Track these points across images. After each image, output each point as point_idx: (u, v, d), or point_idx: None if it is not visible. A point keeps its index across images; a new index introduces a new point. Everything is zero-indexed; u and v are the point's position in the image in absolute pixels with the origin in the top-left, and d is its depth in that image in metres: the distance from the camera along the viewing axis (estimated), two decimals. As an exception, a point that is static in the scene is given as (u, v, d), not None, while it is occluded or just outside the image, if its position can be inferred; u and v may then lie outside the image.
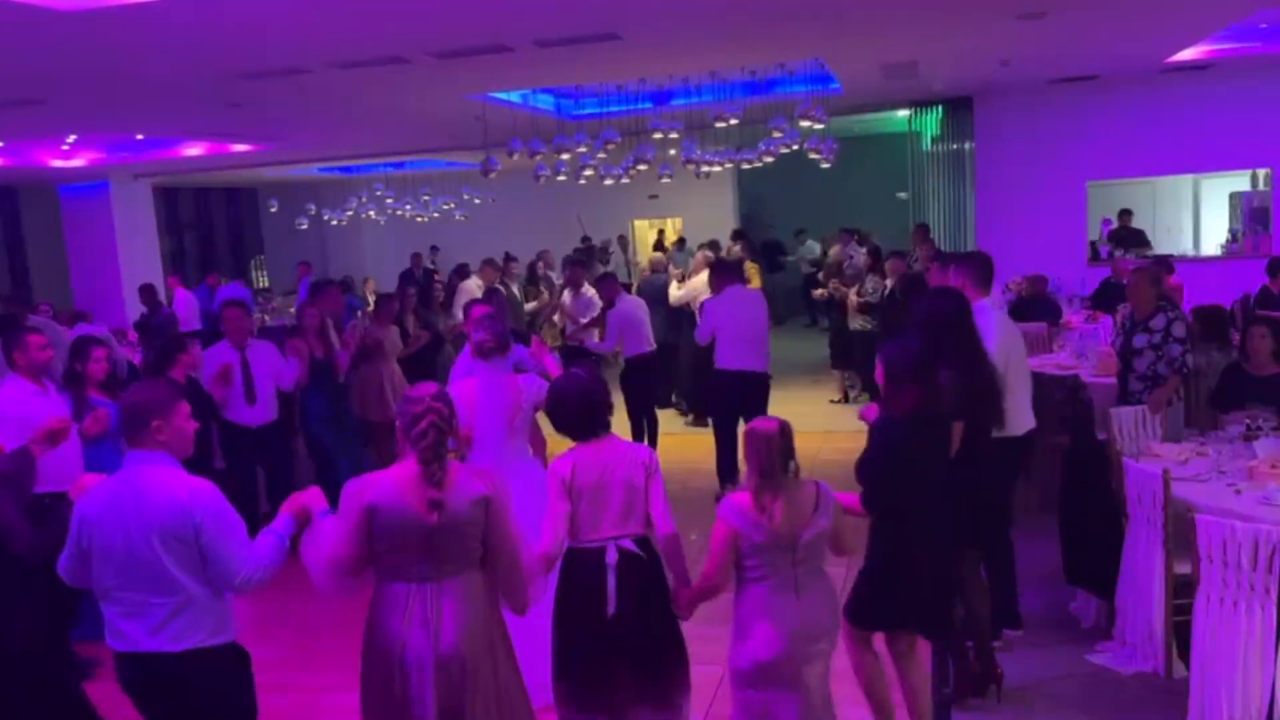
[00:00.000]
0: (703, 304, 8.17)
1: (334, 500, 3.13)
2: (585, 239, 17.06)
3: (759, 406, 7.52)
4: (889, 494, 3.79)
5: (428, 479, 2.99)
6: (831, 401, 11.09)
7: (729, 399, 7.50)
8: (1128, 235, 12.75)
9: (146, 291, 12.47)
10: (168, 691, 3.07)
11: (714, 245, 13.22)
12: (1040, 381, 7.27)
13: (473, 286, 11.54)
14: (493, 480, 3.13)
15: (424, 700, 3.01)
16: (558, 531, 3.50)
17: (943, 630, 4.15)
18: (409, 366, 8.37)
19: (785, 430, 3.42)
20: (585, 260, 12.18)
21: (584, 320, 9.44)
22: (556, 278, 13.21)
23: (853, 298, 10.47)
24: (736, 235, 14.62)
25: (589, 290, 9.68)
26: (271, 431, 6.99)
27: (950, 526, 3.90)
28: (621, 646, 3.50)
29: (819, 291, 12.00)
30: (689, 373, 10.31)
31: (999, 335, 4.69)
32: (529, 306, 12.33)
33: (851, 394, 11.04)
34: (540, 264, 14.04)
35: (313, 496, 3.25)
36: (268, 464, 7.07)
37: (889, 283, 9.71)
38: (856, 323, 10.44)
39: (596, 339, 9.15)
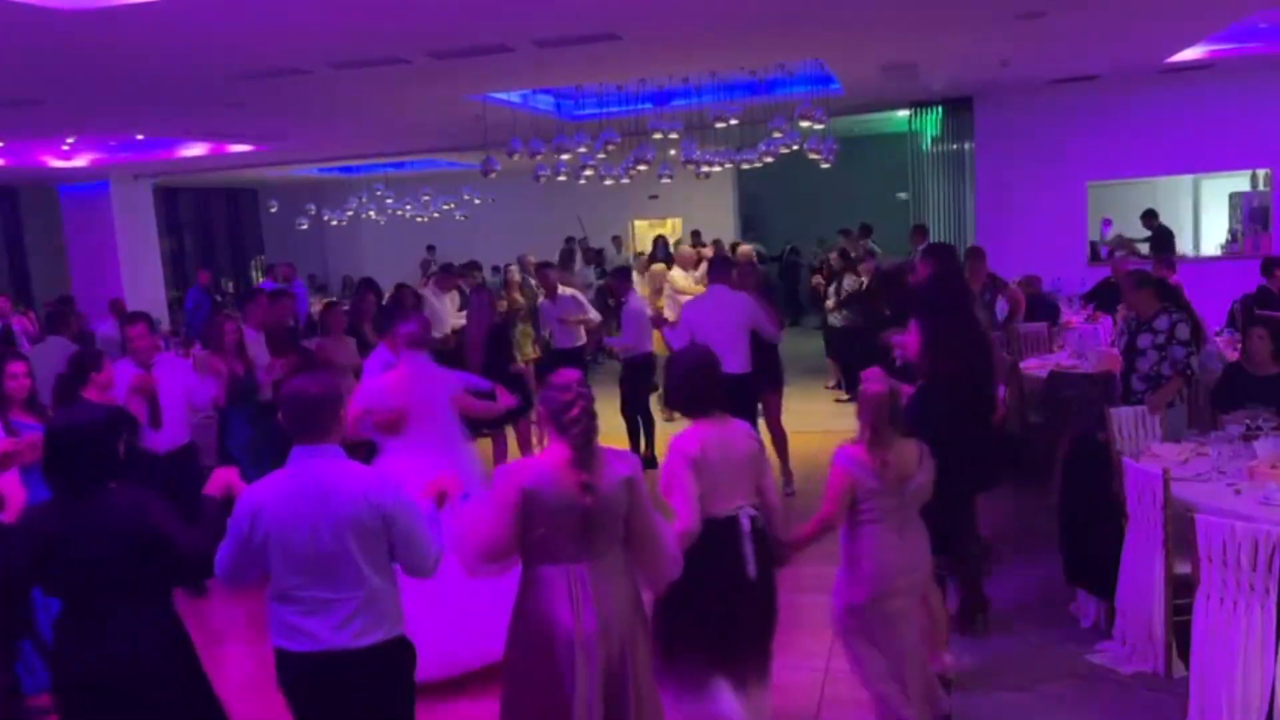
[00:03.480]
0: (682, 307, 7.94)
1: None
2: (582, 239, 17.03)
3: (746, 410, 7.41)
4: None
5: (580, 463, 3.10)
6: (827, 387, 11.64)
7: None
8: (1152, 236, 12.33)
9: (114, 306, 11.79)
10: (344, 689, 3.01)
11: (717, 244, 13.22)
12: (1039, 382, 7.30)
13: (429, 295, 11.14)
14: (633, 462, 3.25)
15: (580, 679, 3.08)
16: (693, 509, 3.61)
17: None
18: None
19: (895, 392, 3.86)
20: (554, 262, 11.93)
21: (573, 319, 9.19)
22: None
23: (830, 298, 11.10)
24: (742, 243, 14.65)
25: (566, 291, 9.38)
26: (181, 456, 6.20)
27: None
28: (756, 608, 3.77)
29: (816, 279, 12.32)
30: None
31: None
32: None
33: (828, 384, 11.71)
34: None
35: (450, 480, 3.36)
36: (177, 493, 5.81)
37: (864, 280, 10.44)
38: (834, 318, 10.97)
39: (608, 335, 9.12)
